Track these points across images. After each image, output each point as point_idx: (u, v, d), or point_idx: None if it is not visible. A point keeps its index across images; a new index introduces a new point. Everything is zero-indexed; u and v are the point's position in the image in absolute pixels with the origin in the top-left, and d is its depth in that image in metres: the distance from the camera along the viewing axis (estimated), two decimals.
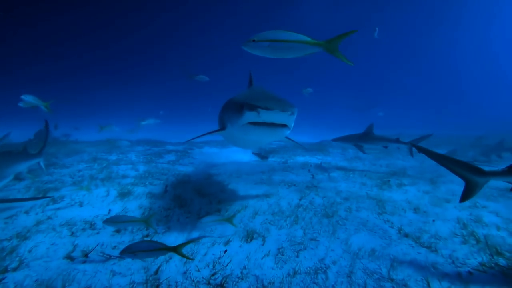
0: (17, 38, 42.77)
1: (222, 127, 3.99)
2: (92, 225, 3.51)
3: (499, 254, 2.83)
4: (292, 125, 3.21)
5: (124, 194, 4.86)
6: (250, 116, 2.96)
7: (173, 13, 47.25)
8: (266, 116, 2.87)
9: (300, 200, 4.64)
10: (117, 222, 2.82)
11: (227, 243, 3.12)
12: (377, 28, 10.14)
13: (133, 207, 4.29)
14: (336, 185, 5.63)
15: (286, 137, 4.00)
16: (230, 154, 10.34)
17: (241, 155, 9.93)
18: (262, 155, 9.14)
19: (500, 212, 4.17)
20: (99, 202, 4.50)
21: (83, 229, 3.40)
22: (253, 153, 9.46)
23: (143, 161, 8.53)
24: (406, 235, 3.33)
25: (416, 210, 4.21)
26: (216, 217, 3.27)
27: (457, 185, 5.76)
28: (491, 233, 3.39)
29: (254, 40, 2.30)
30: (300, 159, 8.75)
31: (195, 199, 4.72)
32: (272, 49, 2.31)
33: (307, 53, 2.34)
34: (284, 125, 3.04)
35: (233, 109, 3.37)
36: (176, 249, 2.32)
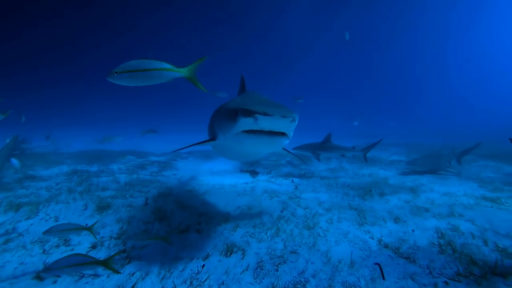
0: None
1: (212, 137, 3.61)
2: (66, 241, 3.38)
3: (474, 263, 2.88)
4: (292, 134, 2.83)
5: (102, 208, 4.72)
6: (245, 123, 2.56)
7: (154, 20, 46.92)
8: (264, 123, 2.49)
9: (282, 211, 4.62)
10: (57, 231, 2.77)
11: (206, 257, 3.06)
12: (347, 32, 10.46)
13: (111, 221, 4.17)
14: (319, 195, 5.65)
15: (283, 148, 3.73)
16: (215, 165, 10.25)
17: (226, 166, 9.87)
18: (252, 170, 8.56)
19: (476, 220, 4.26)
20: (76, 217, 4.36)
21: (57, 246, 3.27)
22: (242, 171, 8.65)
23: (125, 172, 8.36)
24: (386, 246, 3.35)
25: (396, 220, 4.26)
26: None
27: (437, 194, 5.89)
28: (467, 242, 3.46)
29: (116, 72, 2.42)
30: (284, 169, 8.75)
31: (176, 211, 4.63)
32: (133, 78, 2.45)
33: (168, 80, 2.60)
34: (283, 134, 2.66)
35: (225, 116, 2.97)
36: (106, 263, 2.31)
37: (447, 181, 7.36)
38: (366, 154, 7.97)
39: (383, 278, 2.65)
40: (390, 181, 7.09)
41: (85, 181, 6.70)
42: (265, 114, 2.44)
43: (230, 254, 3.14)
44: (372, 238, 3.59)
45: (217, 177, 7.83)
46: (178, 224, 4.06)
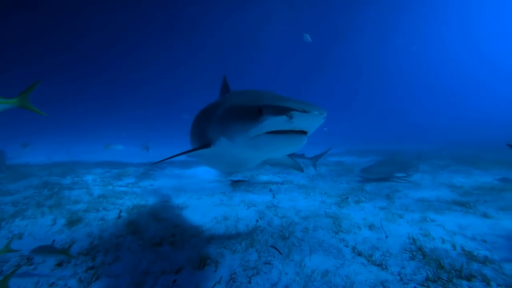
0: None
1: (206, 144, 3.06)
2: (29, 260, 3.21)
3: (441, 267, 2.95)
4: None
5: (73, 222, 4.54)
6: (274, 122, 2.19)
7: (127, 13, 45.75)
8: (299, 121, 2.14)
9: (257, 221, 4.59)
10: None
11: (178, 271, 2.98)
12: (306, 35, 10.72)
13: (82, 236, 4.01)
14: (296, 204, 5.67)
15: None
16: (194, 175, 10.14)
17: (206, 176, 9.77)
18: (237, 180, 7.95)
19: (446, 224, 4.38)
20: (43, 233, 4.16)
21: (17, 265, 3.10)
22: (233, 181, 8.20)
23: (100, 184, 8.11)
24: (360, 254, 3.38)
25: (371, 227, 4.32)
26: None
27: (411, 200, 6.03)
28: (437, 247, 3.54)
29: None
30: (263, 178, 8.76)
31: (151, 224, 4.52)
32: None
33: (2, 110, 2.66)
34: (304, 133, 2.32)
35: (235, 116, 2.52)
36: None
37: (422, 187, 7.56)
38: (316, 162, 8.26)
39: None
40: (367, 188, 7.21)
41: (56, 194, 6.44)
42: (304, 111, 2.10)
43: (203, 266, 3.08)
44: (347, 246, 3.61)
45: (195, 187, 7.73)
46: (151, 237, 3.94)
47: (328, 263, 3.17)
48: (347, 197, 6.02)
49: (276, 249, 3.22)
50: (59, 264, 3.11)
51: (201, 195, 6.68)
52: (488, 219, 4.68)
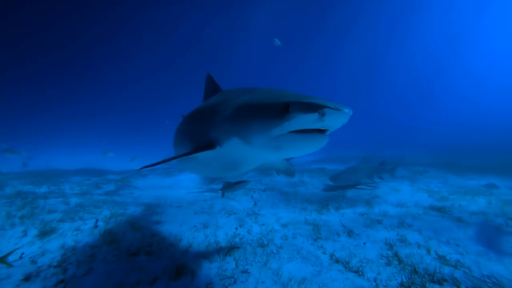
0: None
1: (209, 144, 2.77)
2: None
3: (416, 272, 3.00)
4: None
5: (45, 233, 4.36)
6: (302, 120, 2.03)
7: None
8: (330, 119, 2.03)
9: (237, 229, 4.56)
10: None
11: (153, 282, 2.91)
12: (276, 39, 10.90)
13: (54, 248, 3.85)
14: (277, 211, 5.67)
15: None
16: (176, 183, 10.02)
17: (188, 183, 9.66)
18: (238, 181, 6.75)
19: (423, 230, 4.48)
20: (12, 245, 3.97)
21: None
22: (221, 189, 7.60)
23: (78, 193, 7.87)
24: (337, 261, 3.40)
25: (349, 233, 4.36)
26: None
27: (390, 205, 6.14)
28: (412, 252, 3.60)
29: None
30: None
31: (128, 233, 4.40)
32: None
33: None
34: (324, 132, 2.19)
35: (257, 113, 2.28)
36: None
37: (401, 192, 7.72)
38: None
39: None
40: (347, 194, 7.30)
41: (29, 204, 6.19)
42: (337, 109, 1.99)
43: (179, 276, 3.01)
44: (325, 253, 3.63)
45: (176, 195, 7.63)
46: (128, 247, 3.84)
47: (305, 270, 3.17)
48: (328, 204, 6.06)
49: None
50: (26, 279, 2.97)
51: (182, 202, 6.59)
52: (461, 223, 4.81)
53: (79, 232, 4.48)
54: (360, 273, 3.09)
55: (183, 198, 7.08)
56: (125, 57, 52.26)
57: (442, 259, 3.39)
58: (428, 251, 3.63)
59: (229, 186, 5.67)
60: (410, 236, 4.21)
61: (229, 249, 3.71)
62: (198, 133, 3.08)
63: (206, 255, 3.58)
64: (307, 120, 2.04)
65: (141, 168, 2.89)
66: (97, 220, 4.99)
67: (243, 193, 7.35)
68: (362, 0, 45.46)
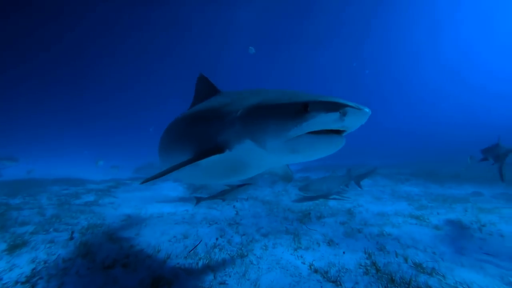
0: None
1: (217, 148, 2.57)
2: None
3: (392, 281, 3.03)
4: None
5: (16, 247, 4.18)
6: (322, 120, 1.94)
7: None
8: (351, 119, 1.94)
9: (217, 239, 4.50)
10: None
11: None
12: (251, 47, 11.08)
13: (24, 262, 3.69)
14: (259, 220, 5.64)
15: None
16: (158, 192, 9.85)
17: (170, 192, 9.52)
18: (242, 184, 6.22)
19: (401, 238, 4.54)
20: None
21: None
22: (185, 198, 7.43)
23: (55, 203, 7.62)
24: (316, 271, 3.39)
25: (330, 243, 4.37)
26: None
27: (371, 214, 6.21)
28: (390, 261, 3.64)
29: None
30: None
31: (105, 244, 4.28)
32: None
33: None
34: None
35: (273, 114, 2.16)
36: None
37: (383, 201, 7.84)
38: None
39: None
40: (329, 203, 7.34)
41: (0, 216, 5.95)
42: (358, 108, 1.91)
43: None
44: (304, 263, 3.62)
45: (158, 204, 7.50)
46: (103, 259, 3.73)
47: (284, 281, 3.15)
48: (310, 213, 6.08)
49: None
50: None
51: (163, 212, 6.48)
52: (439, 231, 4.92)
53: (53, 244, 4.32)
54: (338, 283, 3.09)
55: (164, 208, 6.97)
56: (103, 66, 51.12)
57: (418, 267, 3.44)
58: (406, 260, 3.68)
59: (231, 190, 5.51)
60: (389, 244, 4.26)
61: (208, 260, 3.66)
62: (201, 137, 2.84)
63: (185, 266, 3.52)
64: (327, 120, 1.95)
65: (144, 181, 2.56)
66: (72, 232, 4.83)
67: (225, 203, 7.29)
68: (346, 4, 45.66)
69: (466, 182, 11.28)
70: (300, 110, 1.97)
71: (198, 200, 5.65)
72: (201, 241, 4.46)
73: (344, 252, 3.98)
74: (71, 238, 4.58)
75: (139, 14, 40.97)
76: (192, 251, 4.03)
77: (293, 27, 48.73)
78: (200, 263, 3.56)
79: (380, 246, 4.17)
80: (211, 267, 3.46)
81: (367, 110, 1.95)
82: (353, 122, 1.97)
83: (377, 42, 54.78)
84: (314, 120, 1.95)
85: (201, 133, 2.88)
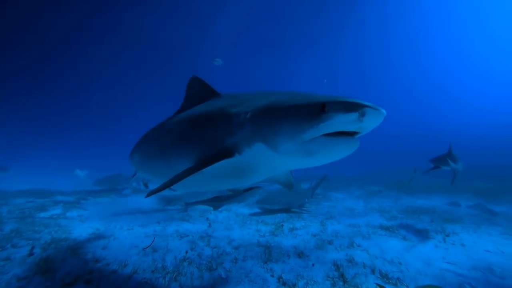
0: None
1: (225, 153, 2.41)
2: None
3: None
4: None
5: None
6: (340, 121, 1.89)
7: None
8: (369, 120, 1.91)
9: (187, 252, 4.42)
10: None
11: None
12: (217, 59, 11.18)
13: None
14: (231, 233, 5.59)
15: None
16: (130, 204, 9.57)
17: (142, 205, 9.27)
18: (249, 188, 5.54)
19: (370, 249, 4.63)
20: None
21: None
22: (158, 210, 7.07)
23: (17, 216, 7.21)
24: (284, 283, 3.39)
25: (300, 255, 4.39)
26: None
27: (343, 225, 6.31)
28: (358, 272, 3.70)
29: None
30: (202, 206, 8.54)
31: (68, 260, 4.08)
32: None
33: None
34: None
35: (288, 115, 2.06)
36: None
37: (355, 212, 7.99)
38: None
39: None
40: (304, 215, 7.40)
41: None
42: (376, 109, 1.87)
43: None
44: (273, 276, 3.61)
45: (130, 216, 7.28)
46: (65, 275, 3.55)
47: None
48: (282, 225, 6.10)
49: None
50: None
51: (134, 225, 6.29)
52: (406, 241, 5.06)
53: (8, 262, 4.06)
54: None
55: (135, 220, 6.77)
56: (76, 73, 49.27)
57: (384, 277, 3.51)
58: (373, 271, 3.75)
59: (238, 195, 5.06)
60: (358, 256, 4.33)
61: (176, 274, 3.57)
62: (205, 141, 2.65)
63: (151, 280, 3.42)
64: (345, 121, 1.89)
65: (150, 194, 2.40)
66: (33, 247, 4.58)
67: (198, 215, 7.19)
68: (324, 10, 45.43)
69: (432, 193, 11.75)
70: (317, 110, 1.91)
71: (216, 207, 5.29)
72: (154, 239, 4.36)
73: (313, 264, 4.00)
74: (31, 254, 4.34)
75: (105, 26, 40.02)
76: (149, 247, 3.93)
77: (269, 33, 48.95)
78: (168, 278, 3.47)
79: (349, 258, 4.23)
80: (179, 281, 3.38)
81: (383, 111, 1.92)
82: (369, 123, 1.94)
83: (353, 50, 55.50)
84: (331, 121, 1.89)
85: (204, 137, 2.68)
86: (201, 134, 2.73)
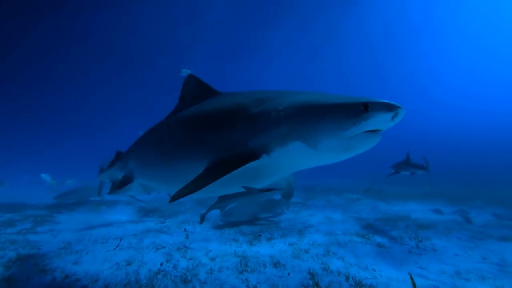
0: None
1: (251, 154, 2.33)
2: None
3: None
4: None
5: None
6: (379, 119, 2.08)
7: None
8: (398, 119, 2.14)
9: (162, 265, 4.33)
10: None
11: None
12: (182, 70, 11.23)
13: None
14: (208, 244, 5.53)
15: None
16: (108, 216, 9.29)
17: (118, 216, 9.03)
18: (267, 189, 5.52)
19: (346, 257, 4.69)
20: None
21: None
22: (138, 221, 6.82)
23: None
24: None
25: (276, 264, 4.39)
26: None
27: (321, 234, 6.36)
28: (332, 280, 3.73)
29: None
30: (181, 216, 8.45)
31: (34, 278, 3.91)
32: None
33: None
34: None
35: (332, 113, 2.15)
36: None
37: (333, 221, 8.08)
38: None
39: None
40: (282, 224, 7.42)
41: None
42: (401, 108, 2.09)
43: None
44: (248, 286, 3.59)
45: (105, 229, 7.08)
46: None
47: None
48: (260, 235, 6.09)
49: None
50: None
51: (109, 238, 6.11)
52: (381, 248, 5.17)
53: None
54: None
55: (110, 233, 6.57)
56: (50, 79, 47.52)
57: (358, 285, 3.56)
58: (347, 278, 3.79)
59: (252, 193, 4.79)
60: (333, 264, 4.38)
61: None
62: (218, 143, 2.55)
63: None
64: (383, 120, 2.08)
65: (174, 199, 2.22)
66: None
67: (176, 226, 7.09)
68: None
69: (411, 200, 12.09)
70: (360, 110, 2.05)
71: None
72: (121, 239, 4.25)
73: (288, 274, 4.01)
74: None
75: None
76: (116, 248, 3.84)
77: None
78: None
79: (324, 266, 4.27)
80: None
81: (404, 110, 2.12)
82: (396, 121, 2.15)
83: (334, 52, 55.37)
84: (373, 119, 2.06)
85: (220, 138, 2.57)
86: (215, 135, 2.60)
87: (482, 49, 58.81)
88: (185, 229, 6.74)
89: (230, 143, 2.46)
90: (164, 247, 5.27)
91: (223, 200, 5.00)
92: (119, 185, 4.41)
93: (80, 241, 5.93)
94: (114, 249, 3.83)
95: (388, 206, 11.03)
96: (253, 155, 2.31)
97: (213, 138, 2.61)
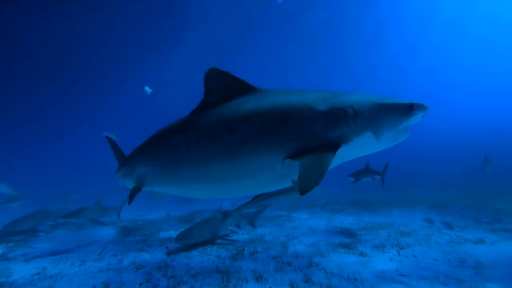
0: None
1: (333, 144, 2.56)
2: None
3: None
4: None
5: None
6: (418, 117, 2.79)
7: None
8: (424, 116, 2.89)
9: (141, 285, 4.23)
10: None
11: None
12: (146, 87, 11.29)
13: None
14: (191, 260, 5.43)
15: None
16: (88, 237, 8.95)
17: (101, 237, 8.74)
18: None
19: (328, 267, 4.71)
20: None
21: None
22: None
23: None
24: None
25: (258, 278, 4.35)
26: None
27: (304, 246, 6.36)
28: None
29: None
30: (163, 234, 8.27)
31: None
32: None
33: None
34: None
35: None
36: None
37: (317, 232, 8.10)
38: None
39: None
40: (266, 238, 7.37)
41: None
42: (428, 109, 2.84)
43: None
44: None
45: (84, 250, 6.83)
46: None
47: None
48: (243, 249, 6.03)
49: None
50: None
51: (87, 260, 5.90)
52: (363, 257, 5.21)
53: None
54: None
55: (89, 255, 6.34)
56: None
57: None
58: None
59: (293, 189, 4.18)
60: (316, 275, 4.38)
61: None
62: (297, 136, 2.61)
63: None
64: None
65: (308, 189, 2.29)
66: None
67: (158, 244, 6.93)
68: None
69: (393, 208, 12.31)
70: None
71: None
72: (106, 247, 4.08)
73: (270, 287, 3.99)
74: None
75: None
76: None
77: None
78: None
79: (306, 278, 4.26)
80: None
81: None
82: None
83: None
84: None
85: (300, 131, 2.62)
86: (295, 128, 2.63)
87: (457, 52, 57.91)
88: (167, 247, 6.58)
89: (310, 135, 2.61)
90: (144, 267, 5.14)
91: (261, 199, 4.73)
92: (130, 197, 3.77)
93: (56, 265, 5.68)
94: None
95: (372, 214, 11.19)
96: (336, 145, 2.59)
97: (292, 130, 2.63)
